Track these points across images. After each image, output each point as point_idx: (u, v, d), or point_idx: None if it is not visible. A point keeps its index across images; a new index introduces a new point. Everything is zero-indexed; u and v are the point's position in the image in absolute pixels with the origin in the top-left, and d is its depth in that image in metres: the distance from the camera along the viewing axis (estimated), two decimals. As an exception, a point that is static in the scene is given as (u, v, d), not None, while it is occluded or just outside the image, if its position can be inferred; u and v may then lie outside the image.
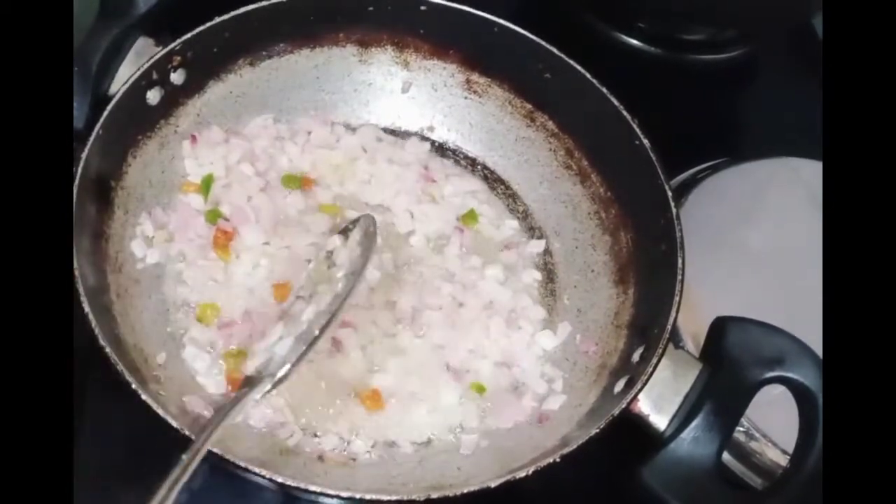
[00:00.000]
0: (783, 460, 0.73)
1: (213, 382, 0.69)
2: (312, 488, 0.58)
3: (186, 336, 0.71)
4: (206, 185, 0.78)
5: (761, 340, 0.66)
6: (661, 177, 0.74)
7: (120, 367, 0.59)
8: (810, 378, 0.64)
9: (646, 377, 0.64)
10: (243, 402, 0.62)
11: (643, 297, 0.75)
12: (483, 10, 0.81)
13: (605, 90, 0.78)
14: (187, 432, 0.58)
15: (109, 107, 0.69)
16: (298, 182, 0.80)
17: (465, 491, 0.59)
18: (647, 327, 0.70)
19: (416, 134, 0.88)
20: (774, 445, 0.74)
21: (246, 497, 0.72)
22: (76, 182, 0.65)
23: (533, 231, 0.84)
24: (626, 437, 0.64)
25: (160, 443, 0.70)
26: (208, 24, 0.75)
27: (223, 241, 0.75)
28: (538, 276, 0.81)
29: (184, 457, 0.55)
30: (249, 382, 0.64)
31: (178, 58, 0.75)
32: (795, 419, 0.64)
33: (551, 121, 0.85)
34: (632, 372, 0.68)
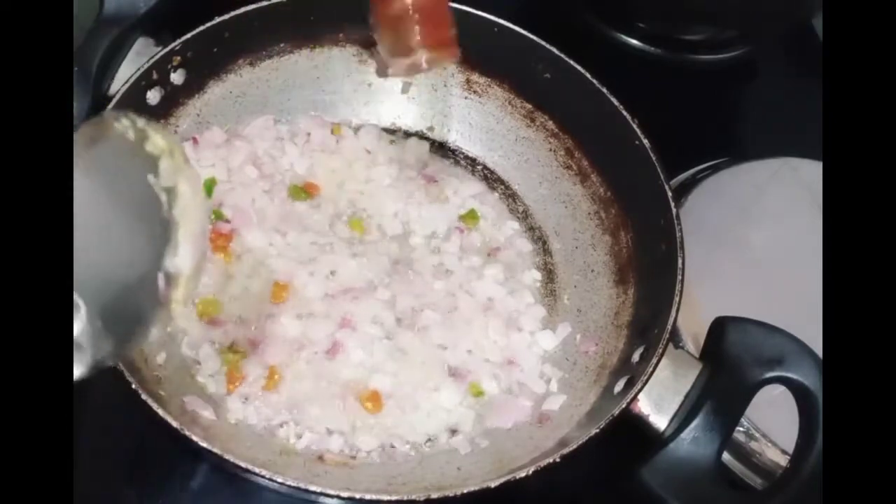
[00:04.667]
0: (783, 460, 0.73)
1: (213, 382, 0.69)
2: (312, 488, 0.58)
3: (186, 336, 0.71)
4: (209, 188, 0.78)
5: (761, 340, 0.66)
6: (661, 177, 0.74)
7: (120, 367, 0.59)
8: (810, 378, 0.64)
9: (646, 377, 0.64)
10: None
11: (643, 297, 0.75)
12: (483, 10, 0.81)
13: (605, 90, 0.78)
14: (187, 432, 0.58)
15: (109, 107, 0.69)
16: (305, 194, 0.80)
17: (465, 491, 0.59)
18: (647, 327, 0.70)
19: (416, 134, 0.88)
20: (774, 445, 0.74)
21: (246, 497, 0.72)
22: (76, 182, 0.65)
23: (533, 231, 0.84)
24: (626, 437, 0.64)
25: (160, 443, 0.71)
26: (208, 24, 0.76)
27: (222, 242, 0.75)
28: (538, 276, 0.82)
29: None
30: None
31: (178, 58, 0.75)
32: (795, 419, 0.64)
33: (551, 121, 0.85)
34: (632, 372, 0.68)
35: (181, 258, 0.50)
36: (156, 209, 0.50)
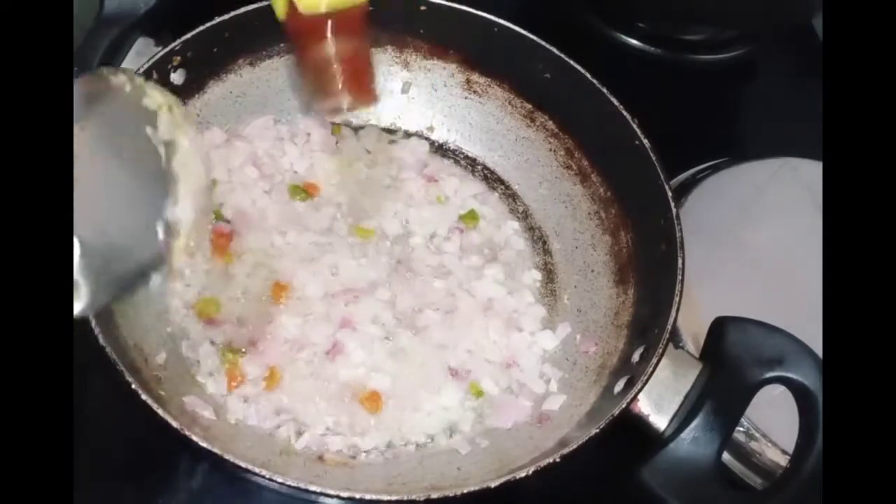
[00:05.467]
0: (783, 460, 0.73)
1: (213, 382, 0.69)
2: (312, 488, 0.58)
3: (186, 336, 0.71)
4: (208, 187, 0.78)
5: (761, 340, 0.66)
6: (661, 177, 0.74)
7: (120, 367, 0.59)
8: (810, 378, 0.64)
9: (646, 377, 0.64)
10: None
11: (643, 297, 0.75)
12: (483, 10, 0.81)
13: (605, 90, 0.78)
14: (187, 432, 0.58)
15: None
16: (304, 193, 0.80)
17: (465, 491, 0.59)
18: (647, 327, 0.70)
19: (416, 134, 0.88)
20: (774, 445, 0.74)
21: (246, 497, 0.72)
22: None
23: (533, 231, 0.84)
24: (626, 437, 0.64)
25: (160, 443, 0.70)
26: (208, 24, 0.76)
27: (222, 242, 0.75)
28: (538, 276, 0.82)
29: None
30: None
31: (178, 58, 0.75)
32: (795, 419, 0.64)
33: (551, 121, 0.85)
34: (632, 372, 0.68)
35: (181, 209, 0.50)
36: (154, 161, 0.50)
